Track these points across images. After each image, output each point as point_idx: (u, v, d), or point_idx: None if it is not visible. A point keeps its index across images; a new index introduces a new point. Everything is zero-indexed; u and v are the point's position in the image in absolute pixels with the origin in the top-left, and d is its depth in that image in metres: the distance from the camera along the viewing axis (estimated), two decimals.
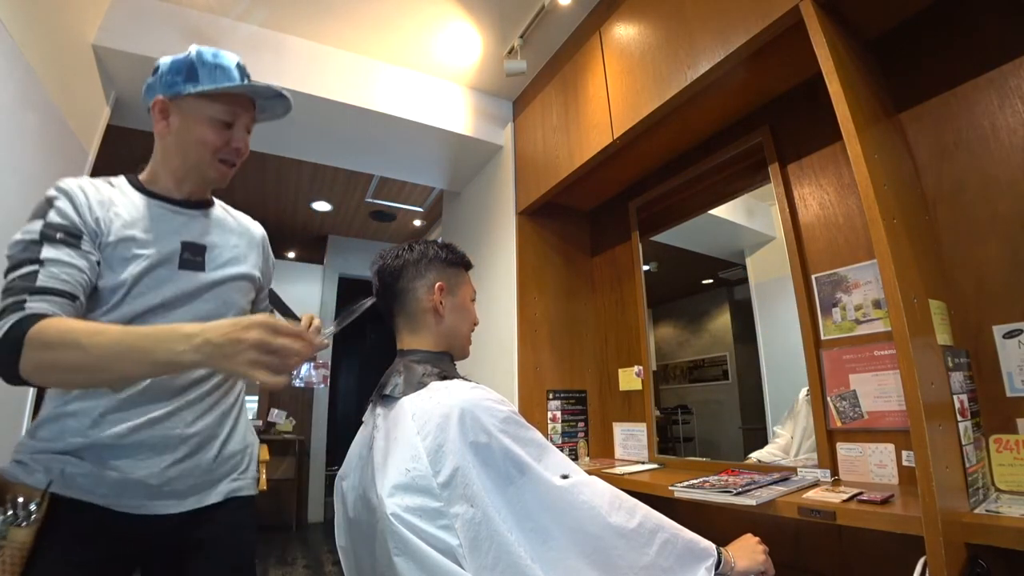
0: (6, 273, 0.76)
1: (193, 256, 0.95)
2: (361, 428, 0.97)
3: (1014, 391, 1.03)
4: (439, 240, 1.07)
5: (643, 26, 1.68)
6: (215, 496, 0.93)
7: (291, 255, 5.95)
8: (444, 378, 0.89)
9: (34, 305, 0.73)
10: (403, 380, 0.90)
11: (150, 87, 0.95)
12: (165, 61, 0.94)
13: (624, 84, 1.73)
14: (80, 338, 0.69)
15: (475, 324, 1.06)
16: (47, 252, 0.78)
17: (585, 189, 2.18)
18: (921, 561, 0.83)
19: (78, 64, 1.79)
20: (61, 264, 0.78)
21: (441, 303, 0.98)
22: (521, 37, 2.15)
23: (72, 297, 0.78)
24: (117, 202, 0.89)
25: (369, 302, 0.89)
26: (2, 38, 1.31)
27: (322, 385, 5.12)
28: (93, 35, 1.84)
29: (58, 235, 0.80)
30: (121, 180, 0.94)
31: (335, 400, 5.72)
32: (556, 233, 2.38)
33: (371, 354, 7.48)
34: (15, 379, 0.70)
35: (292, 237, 5.49)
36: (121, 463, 0.83)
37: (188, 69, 0.92)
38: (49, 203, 0.83)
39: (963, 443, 0.94)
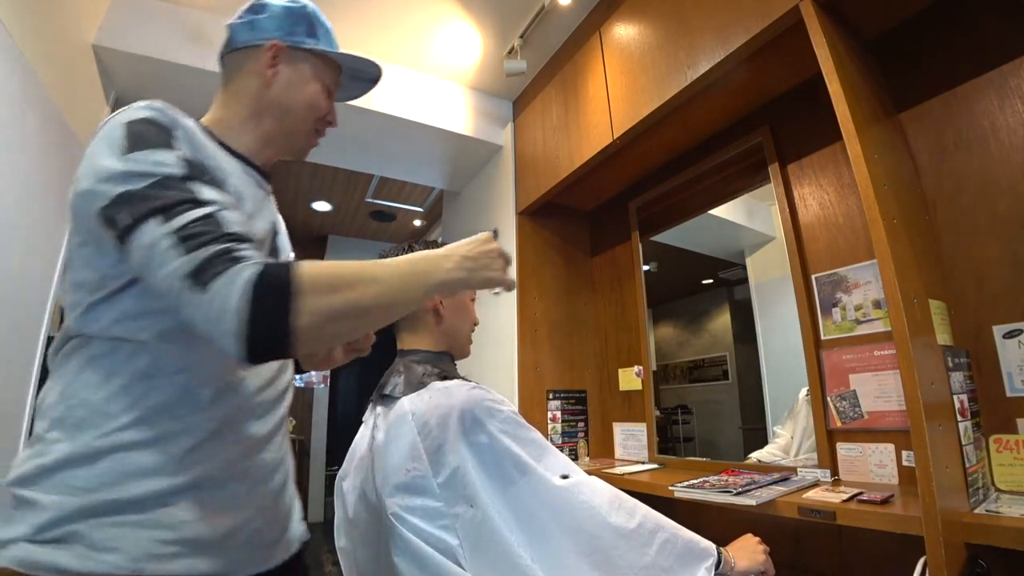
0: (143, 217, 0.54)
1: (274, 242, 0.81)
2: (361, 428, 0.97)
3: (1014, 391, 1.03)
4: (439, 240, 1.07)
5: (643, 26, 1.68)
6: (294, 544, 0.74)
7: (291, 255, 5.94)
8: (444, 378, 0.89)
9: (250, 253, 0.54)
10: (403, 380, 0.90)
11: (254, 25, 0.77)
12: (276, 3, 0.79)
13: (624, 84, 1.73)
14: (364, 269, 0.58)
15: (475, 324, 1.06)
16: (207, 193, 0.57)
17: (585, 189, 2.18)
18: (921, 561, 0.83)
19: (78, 64, 1.79)
20: (232, 209, 0.59)
21: (441, 303, 0.98)
22: (521, 37, 2.15)
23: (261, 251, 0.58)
24: (212, 153, 0.68)
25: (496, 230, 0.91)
26: (2, 38, 1.31)
27: (322, 385, 5.12)
28: (93, 35, 1.84)
29: (204, 176, 0.60)
30: (194, 124, 0.68)
31: (335, 400, 5.72)
32: (556, 233, 2.39)
33: (371, 354, 7.45)
34: (280, 343, 0.52)
35: (292, 237, 5.37)
36: (228, 505, 0.61)
37: (309, 23, 0.81)
38: (167, 133, 0.61)
39: (963, 443, 0.94)
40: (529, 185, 2.29)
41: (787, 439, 1.51)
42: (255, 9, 0.79)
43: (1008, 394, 1.03)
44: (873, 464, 1.22)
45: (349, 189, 4.32)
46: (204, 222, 0.54)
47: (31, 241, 1.57)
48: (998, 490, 0.99)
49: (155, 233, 0.53)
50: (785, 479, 1.25)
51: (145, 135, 0.59)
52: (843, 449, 1.29)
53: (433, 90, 2.48)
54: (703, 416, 1.94)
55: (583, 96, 1.95)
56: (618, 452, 2.10)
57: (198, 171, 0.59)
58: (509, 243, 2.35)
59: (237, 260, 0.52)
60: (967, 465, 0.93)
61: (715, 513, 1.32)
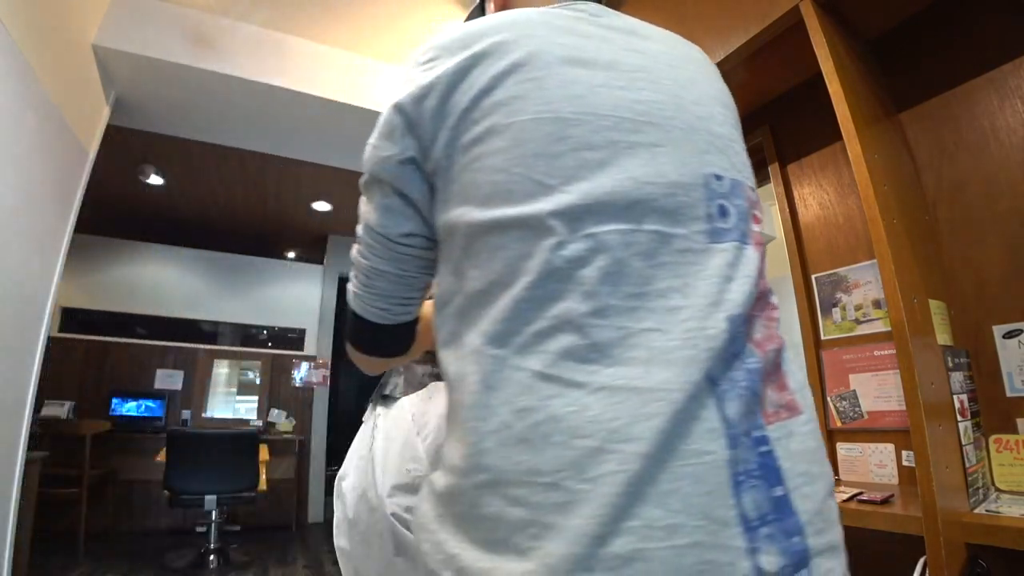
0: None
1: None
2: (361, 428, 0.97)
3: (1014, 391, 1.03)
4: None
5: None
6: None
7: (291, 255, 5.95)
8: None
9: None
10: (403, 380, 0.90)
11: None
12: None
13: None
14: None
15: None
16: None
17: None
18: (921, 561, 0.83)
19: (78, 64, 1.79)
20: None
21: None
22: None
23: None
24: None
25: None
26: (2, 38, 1.31)
27: (322, 385, 5.12)
28: (93, 35, 1.84)
29: None
30: None
31: (335, 400, 5.73)
32: None
33: None
34: None
35: (292, 237, 5.50)
36: None
37: None
38: None
39: (963, 443, 0.94)
40: None
41: None
42: None
43: (1008, 394, 1.03)
44: (873, 464, 1.22)
45: (349, 189, 4.31)
46: None
47: (31, 241, 1.58)
48: (998, 490, 0.99)
49: None
50: None
51: None
52: (843, 449, 1.29)
53: None
54: None
55: None
56: None
57: None
58: None
59: None
60: (967, 465, 0.93)
61: None
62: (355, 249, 0.55)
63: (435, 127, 0.47)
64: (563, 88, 0.44)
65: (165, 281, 4.72)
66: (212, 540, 3.32)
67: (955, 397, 0.96)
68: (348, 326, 0.58)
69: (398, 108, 0.49)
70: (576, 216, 0.41)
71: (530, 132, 0.43)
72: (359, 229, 0.54)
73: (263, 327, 5.14)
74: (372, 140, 0.51)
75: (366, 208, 0.53)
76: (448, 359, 0.46)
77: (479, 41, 0.47)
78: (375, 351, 0.60)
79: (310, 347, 5.15)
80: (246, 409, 4.96)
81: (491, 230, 0.43)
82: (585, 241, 0.40)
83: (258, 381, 4.98)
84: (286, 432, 4.74)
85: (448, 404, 0.46)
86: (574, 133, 0.43)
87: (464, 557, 0.37)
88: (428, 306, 0.64)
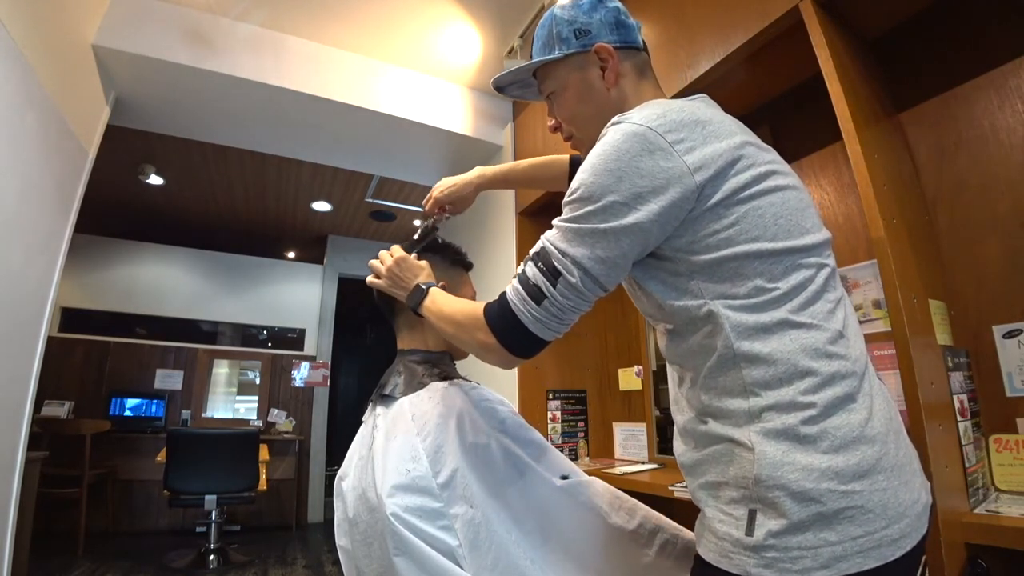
0: None
1: None
2: (361, 428, 0.97)
3: (1014, 391, 1.03)
4: (439, 240, 1.06)
5: (643, 26, 1.68)
6: None
7: (291, 255, 5.95)
8: (444, 378, 0.89)
9: None
10: (403, 380, 0.89)
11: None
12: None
13: None
14: None
15: None
16: None
17: None
18: (921, 561, 0.83)
19: (78, 64, 1.79)
20: None
21: None
22: (521, 37, 2.14)
23: None
24: None
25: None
26: (2, 38, 1.31)
27: (322, 385, 5.12)
28: (93, 35, 1.84)
29: None
30: None
31: (335, 400, 5.73)
32: None
33: (371, 354, 7.48)
34: None
35: (292, 237, 5.49)
36: None
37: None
38: None
39: (963, 443, 0.94)
40: None
41: None
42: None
43: (1008, 394, 1.03)
44: None
45: (349, 189, 4.32)
46: None
47: (31, 241, 1.58)
48: (998, 490, 0.99)
49: None
50: None
51: None
52: None
53: (433, 90, 2.48)
54: None
55: None
56: (618, 452, 2.10)
57: None
58: (509, 243, 2.35)
59: None
60: (967, 465, 0.93)
61: None
62: (553, 288, 0.65)
63: None
64: None
65: (165, 281, 4.72)
66: (212, 540, 3.31)
67: (955, 397, 0.96)
68: (511, 338, 0.67)
69: None
70: None
71: None
72: (572, 275, 0.64)
73: (263, 327, 5.14)
74: None
75: (588, 256, 0.64)
76: None
77: None
78: (529, 356, 0.70)
79: (310, 347, 5.15)
80: (246, 409, 4.95)
81: None
82: None
83: (258, 381, 4.98)
84: (286, 432, 4.74)
85: None
86: None
87: None
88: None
